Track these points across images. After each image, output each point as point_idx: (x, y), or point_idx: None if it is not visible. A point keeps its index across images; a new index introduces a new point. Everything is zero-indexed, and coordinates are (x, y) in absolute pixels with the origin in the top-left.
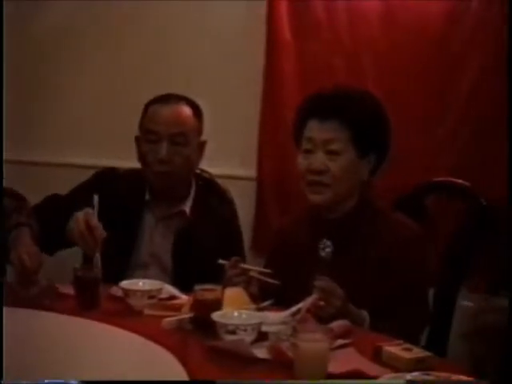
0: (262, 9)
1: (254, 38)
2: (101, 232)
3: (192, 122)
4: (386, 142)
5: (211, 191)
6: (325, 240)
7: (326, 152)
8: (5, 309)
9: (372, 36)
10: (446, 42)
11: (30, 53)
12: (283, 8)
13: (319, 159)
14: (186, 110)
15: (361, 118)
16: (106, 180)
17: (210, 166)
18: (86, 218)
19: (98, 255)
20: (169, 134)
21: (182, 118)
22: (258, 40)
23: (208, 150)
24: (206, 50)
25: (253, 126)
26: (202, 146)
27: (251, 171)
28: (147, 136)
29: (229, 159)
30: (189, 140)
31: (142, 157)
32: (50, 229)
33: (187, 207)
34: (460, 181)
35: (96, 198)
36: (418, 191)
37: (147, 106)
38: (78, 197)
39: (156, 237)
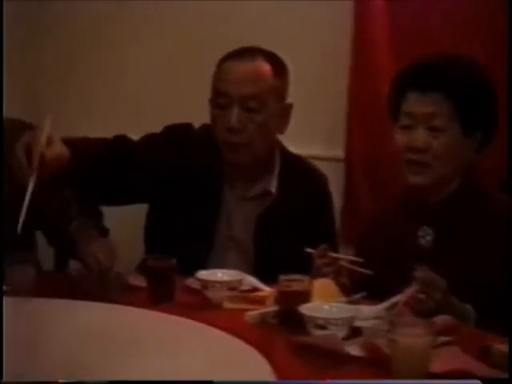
0: None
1: (341, 4)
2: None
3: (271, 81)
4: (493, 118)
5: (300, 167)
6: (425, 227)
7: (428, 128)
8: (69, 301)
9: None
10: None
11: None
12: None
13: (421, 136)
14: (264, 67)
15: (467, 90)
16: (179, 140)
17: (292, 145)
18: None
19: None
20: (240, 96)
21: (257, 76)
22: (345, 6)
23: (293, 129)
24: (289, 17)
25: (340, 102)
26: (285, 110)
27: (338, 151)
28: (216, 99)
29: (313, 138)
30: (266, 104)
31: (212, 124)
32: (112, 173)
33: (273, 186)
34: None
35: (48, 118)
36: None
37: (220, 62)
38: (150, 148)
39: (236, 218)
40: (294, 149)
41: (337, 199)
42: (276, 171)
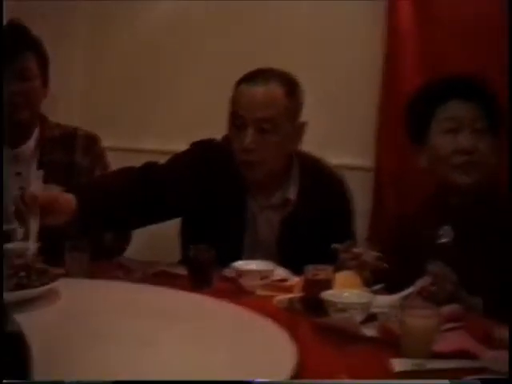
0: None
1: (373, 25)
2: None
3: (284, 103)
4: (502, 121)
5: (317, 171)
6: (446, 226)
7: (473, 131)
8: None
9: (492, 24)
10: None
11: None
12: None
13: (468, 138)
14: (277, 90)
15: (491, 97)
16: (203, 157)
17: (326, 155)
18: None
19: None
20: (254, 119)
21: (270, 99)
22: (377, 27)
23: (325, 138)
24: (324, 36)
25: (371, 115)
26: (299, 128)
27: (369, 161)
28: (233, 120)
29: (346, 149)
30: (278, 125)
31: (231, 143)
32: (144, 197)
33: (292, 194)
34: None
35: (41, 172)
36: None
37: (236, 84)
38: (178, 168)
39: (260, 224)
40: (328, 159)
41: (366, 205)
42: (295, 178)
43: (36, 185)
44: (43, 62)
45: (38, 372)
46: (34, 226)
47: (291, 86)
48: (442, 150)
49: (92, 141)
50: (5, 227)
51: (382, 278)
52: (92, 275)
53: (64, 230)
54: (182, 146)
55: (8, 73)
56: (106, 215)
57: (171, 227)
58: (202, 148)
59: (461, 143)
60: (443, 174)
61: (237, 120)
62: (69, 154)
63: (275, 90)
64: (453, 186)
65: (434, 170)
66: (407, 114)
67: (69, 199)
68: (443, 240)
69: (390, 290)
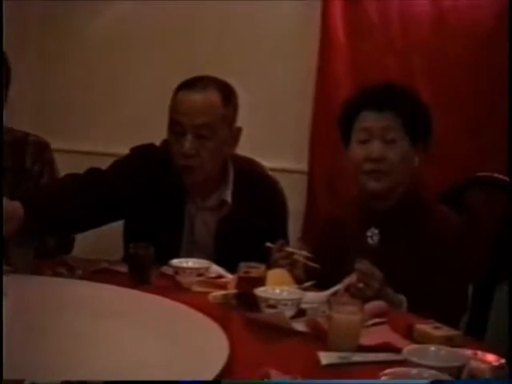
0: (316, 9)
1: (307, 39)
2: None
3: (220, 110)
4: (430, 129)
5: (251, 173)
6: (372, 228)
7: (384, 141)
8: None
9: (423, 37)
10: (496, 43)
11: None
12: (337, 9)
13: (378, 148)
14: (214, 97)
15: (411, 106)
16: (143, 161)
17: (261, 159)
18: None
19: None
20: (193, 125)
21: (207, 107)
22: (310, 40)
23: (261, 143)
24: (259, 48)
25: (305, 123)
26: (235, 134)
27: (303, 165)
28: (172, 126)
29: (282, 153)
30: (216, 131)
31: (170, 148)
32: (88, 203)
33: (228, 196)
34: (503, 177)
35: None
36: (460, 186)
37: (175, 91)
38: (119, 174)
39: (197, 225)
40: (265, 162)
41: (300, 207)
42: (230, 181)
43: None
44: (6, 81)
45: None
46: None
47: (227, 93)
48: (355, 157)
49: (42, 147)
50: None
51: (313, 276)
52: (36, 272)
53: (11, 235)
54: (124, 148)
55: None
56: (53, 221)
57: (116, 226)
58: (141, 153)
59: (370, 152)
60: (358, 179)
61: (176, 126)
62: (19, 159)
63: (212, 97)
64: (365, 190)
65: (352, 175)
66: (337, 123)
67: (15, 207)
68: (370, 242)
69: (320, 287)
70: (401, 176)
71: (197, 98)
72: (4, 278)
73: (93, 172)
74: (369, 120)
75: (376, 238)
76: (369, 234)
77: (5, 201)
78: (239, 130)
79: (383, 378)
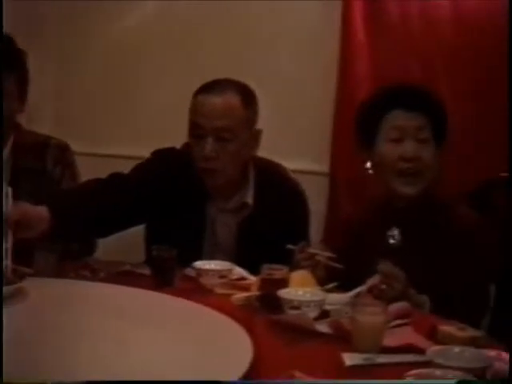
0: (337, 10)
1: (328, 39)
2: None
3: (241, 112)
4: (447, 131)
5: (273, 175)
6: (393, 228)
7: (417, 140)
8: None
9: (443, 36)
10: None
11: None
12: (358, 9)
13: (412, 147)
14: (234, 100)
15: (437, 108)
16: (164, 164)
17: (284, 161)
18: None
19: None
20: (213, 128)
21: (227, 109)
22: (331, 41)
23: (282, 145)
24: (279, 49)
25: (326, 124)
26: (255, 136)
27: (324, 166)
28: (192, 129)
29: (303, 155)
30: (236, 134)
31: (191, 151)
32: (112, 208)
33: (249, 198)
34: None
35: (9, 189)
36: (485, 186)
37: (194, 95)
38: (142, 178)
39: (219, 227)
40: (286, 164)
41: (322, 208)
42: (251, 183)
43: (6, 202)
44: (23, 81)
45: (7, 371)
46: (8, 242)
47: (247, 95)
48: (387, 156)
49: (63, 150)
50: None
51: (336, 277)
52: (59, 274)
53: (38, 240)
54: (145, 151)
55: None
56: (78, 226)
57: (136, 228)
58: (162, 156)
59: (405, 151)
60: (388, 180)
61: (196, 129)
62: (40, 162)
63: (232, 99)
64: (397, 194)
65: (380, 176)
66: (356, 122)
67: (40, 212)
68: (391, 241)
69: (342, 288)
70: (431, 176)
71: (216, 100)
72: (25, 280)
73: (116, 177)
74: (401, 119)
75: (397, 238)
76: (390, 233)
77: (30, 206)
78: (259, 132)
79: (408, 379)
